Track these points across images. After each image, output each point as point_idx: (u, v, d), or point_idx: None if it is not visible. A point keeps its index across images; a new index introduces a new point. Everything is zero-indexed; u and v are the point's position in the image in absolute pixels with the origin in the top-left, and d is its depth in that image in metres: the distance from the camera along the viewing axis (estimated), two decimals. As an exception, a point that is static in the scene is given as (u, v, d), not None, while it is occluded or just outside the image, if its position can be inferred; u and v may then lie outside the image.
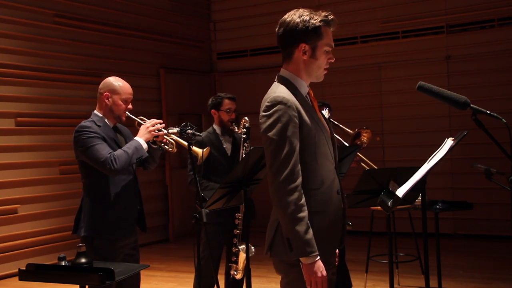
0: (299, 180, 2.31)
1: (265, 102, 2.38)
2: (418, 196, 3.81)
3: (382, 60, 8.52)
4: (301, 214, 2.27)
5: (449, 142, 2.49)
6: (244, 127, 4.19)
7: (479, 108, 2.28)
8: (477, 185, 7.63)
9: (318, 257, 2.30)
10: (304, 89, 2.48)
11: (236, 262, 4.16)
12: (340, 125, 5.28)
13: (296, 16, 2.41)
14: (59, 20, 7.31)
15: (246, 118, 4.23)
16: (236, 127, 4.25)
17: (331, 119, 5.11)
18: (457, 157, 7.81)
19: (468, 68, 8.01)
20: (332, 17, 2.43)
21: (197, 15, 9.72)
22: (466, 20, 8.05)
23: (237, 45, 9.72)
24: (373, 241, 5.47)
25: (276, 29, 2.47)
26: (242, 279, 4.29)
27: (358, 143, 5.17)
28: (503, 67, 7.79)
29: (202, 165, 4.09)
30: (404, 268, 5.83)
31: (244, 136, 4.19)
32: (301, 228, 2.26)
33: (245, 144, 4.19)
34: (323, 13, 2.43)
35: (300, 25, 2.38)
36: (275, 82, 2.49)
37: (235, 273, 4.16)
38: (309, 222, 2.29)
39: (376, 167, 5.00)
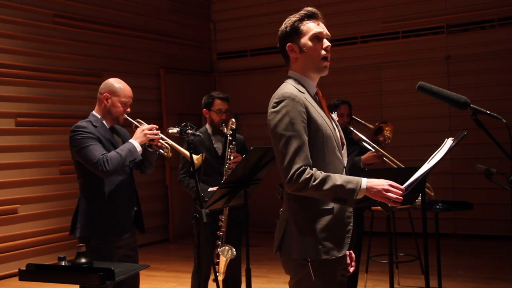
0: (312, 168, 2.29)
1: (273, 100, 2.39)
2: (418, 196, 3.81)
3: (382, 60, 8.52)
4: (317, 181, 2.25)
5: (449, 142, 2.49)
6: (231, 128, 4.18)
7: (479, 108, 2.28)
8: (477, 185, 7.62)
9: (364, 182, 2.27)
10: (312, 88, 2.49)
11: (218, 264, 4.15)
12: (362, 121, 5.23)
13: (284, 23, 2.52)
14: (59, 20, 7.31)
15: (233, 119, 4.22)
16: (225, 128, 4.22)
17: (353, 116, 5.07)
18: (457, 157, 7.81)
19: (468, 68, 8.01)
20: (310, 9, 2.46)
21: (197, 15, 9.72)
22: (466, 20, 8.06)
23: (237, 45, 9.72)
24: (373, 241, 5.47)
25: None
26: (239, 279, 4.30)
27: (381, 139, 4.98)
28: (503, 67, 7.79)
29: (202, 165, 4.08)
30: (404, 268, 5.83)
31: (230, 137, 4.18)
32: (329, 184, 2.25)
33: (231, 146, 4.18)
34: (303, 11, 2.48)
35: (283, 29, 2.49)
36: (284, 82, 2.49)
37: (217, 274, 4.16)
38: (328, 175, 2.27)
39: (402, 165, 4.77)
